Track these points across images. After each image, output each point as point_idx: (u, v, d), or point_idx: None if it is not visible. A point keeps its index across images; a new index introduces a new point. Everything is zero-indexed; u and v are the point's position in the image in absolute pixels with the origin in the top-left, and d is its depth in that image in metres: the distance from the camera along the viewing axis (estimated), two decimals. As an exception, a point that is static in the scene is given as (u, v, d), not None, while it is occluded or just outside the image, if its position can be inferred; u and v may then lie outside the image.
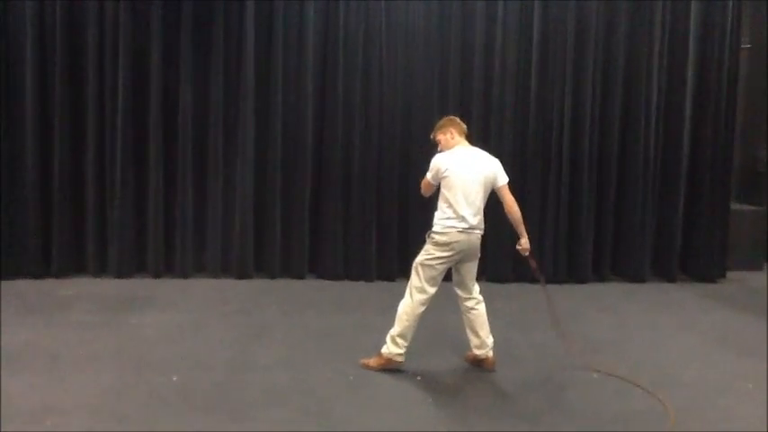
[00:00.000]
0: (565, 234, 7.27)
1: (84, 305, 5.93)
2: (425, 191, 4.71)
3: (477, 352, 4.62)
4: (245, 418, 3.79)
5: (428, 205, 6.81)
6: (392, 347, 4.47)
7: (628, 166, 7.36)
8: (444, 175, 4.46)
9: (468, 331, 4.64)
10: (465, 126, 4.69)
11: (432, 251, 4.45)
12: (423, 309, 4.48)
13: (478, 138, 7.08)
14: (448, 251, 4.42)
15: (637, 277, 7.34)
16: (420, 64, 7.08)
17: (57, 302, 6.01)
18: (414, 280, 4.50)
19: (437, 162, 4.52)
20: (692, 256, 7.52)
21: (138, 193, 6.93)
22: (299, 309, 6.02)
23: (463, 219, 4.42)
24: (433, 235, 4.47)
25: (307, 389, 4.21)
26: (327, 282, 6.98)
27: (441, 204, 4.50)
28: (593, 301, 6.58)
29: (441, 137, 4.64)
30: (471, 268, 4.61)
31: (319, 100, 7.07)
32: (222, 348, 4.91)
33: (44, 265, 6.82)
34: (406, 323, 4.45)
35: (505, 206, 4.65)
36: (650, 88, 7.30)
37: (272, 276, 7.05)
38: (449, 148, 4.58)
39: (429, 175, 4.58)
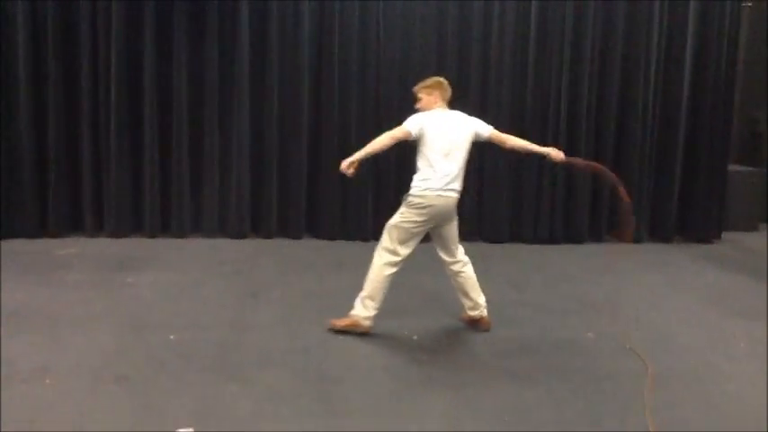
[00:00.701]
0: (562, 194, 7.27)
1: (82, 265, 5.94)
2: (382, 144, 4.36)
3: (472, 313, 4.64)
4: (243, 377, 3.82)
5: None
6: (360, 310, 4.41)
7: (625, 127, 7.35)
8: (423, 132, 4.32)
9: (460, 294, 4.63)
10: (450, 92, 4.55)
11: (407, 214, 4.35)
12: (393, 271, 4.38)
13: (476, 91, 7.07)
14: (424, 215, 4.33)
15: (633, 238, 7.36)
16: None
17: (54, 262, 6.02)
18: (385, 241, 4.40)
19: (418, 120, 4.36)
20: (689, 217, 7.54)
21: (134, 153, 6.90)
22: (296, 269, 6.04)
23: (442, 179, 4.32)
24: (410, 198, 4.35)
25: (303, 349, 4.24)
26: (324, 242, 6.99)
27: (420, 165, 4.37)
28: (589, 262, 6.62)
29: (425, 96, 4.49)
30: (451, 230, 4.52)
31: (315, 65, 7.00)
32: (219, 308, 4.94)
33: (41, 225, 6.82)
34: (376, 284, 4.37)
35: (507, 144, 4.63)
36: (649, 47, 7.25)
37: (269, 236, 7.07)
38: (428, 108, 4.46)
39: (401, 131, 4.35)
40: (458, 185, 4.41)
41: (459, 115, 4.52)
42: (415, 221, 4.34)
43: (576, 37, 7.14)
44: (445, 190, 4.34)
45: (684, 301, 5.46)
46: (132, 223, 7.00)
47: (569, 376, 3.96)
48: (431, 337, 4.51)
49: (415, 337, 4.49)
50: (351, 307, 4.46)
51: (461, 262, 4.59)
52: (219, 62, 6.87)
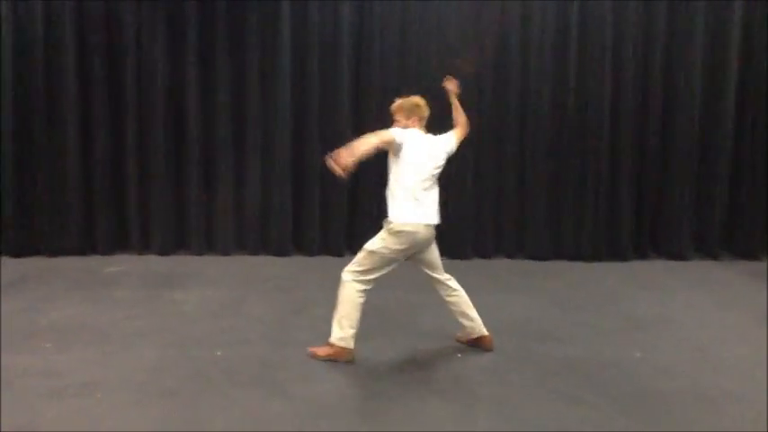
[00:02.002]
0: (605, 211, 7.18)
1: (129, 282, 6.07)
2: (362, 150, 3.99)
3: (473, 333, 4.54)
4: (287, 393, 3.84)
5: (460, 185, 6.82)
6: (338, 331, 4.27)
7: (669, 142, 7.23)
8: (402, 147, 4.12)
9: (458, 315, 4.49)
10: (428, 114, 4.39)
11: (388, 241, 4.17)
12: (364, 294, 4.26)
13: (516, 114, 7.05)
14: (405, 244, 4.17)
15: (678, 255, 7.24)
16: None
17: (102, 279, 6.15)
18: (360, 265, 4.23)
19: (401, 132, 4.15)
20: (735, 233, 7.39)
21: (179, 172, 7.05)
22: (338, 286, 6.04)
23: (427, 209, 4.20)
24: (392, 225, 4.17)
25: (346, 365, 4.25)
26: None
27: (399, 192, 4.17)
28: (633, 279, 6.52)
29: (402, 120, 4.30)
30: (433, 253, 4.40)
31: (355, 83, 7.06)
32: (263, 325, 4.99)
33: (88, 243, 6.99)
34: (349, 306, 4.25)
35: (462, 132, 4.61)
36: (692, 58, 7.13)
37: (311, 254, 7.12)
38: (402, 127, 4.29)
39: (386, 134, 4.09)
40: (436, 212, 4.31)
41: (435, 139, 4.38)
42: (396, 250, 4.19)
43: (617, 39, 7.06)
44: (429, 219, 4.25)
45: (732, 320, 5.34)
46: (177, 241, 7.14)
47: (616, 396, 3.89)
48: (475, 356, 4.48)
49: (459, 356, 4.47)
50: (394, 323, 4.45)
51: (449, 278, 4.49)
52: (261, 83, 7.00)
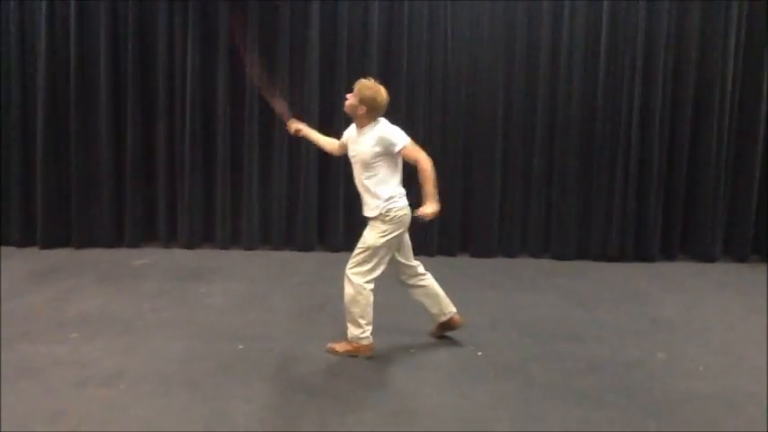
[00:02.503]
0: (633, 211, 7.10)
1: (156, 274, 6.14)
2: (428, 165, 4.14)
3: (441, 319, 4.53)
4: (310, 387, 3.86)
5: (487, 184, 6.78)
6: (355, 330, 4.29)
7: (700, 142, 7.12)
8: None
9: (429, 305, 4.50)
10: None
11: (389, 230, 4.20)
12: (373, 295, 4.29)
13: (544, 113, 7.01)
14: (402, 228, 4.26)
15: (707, 256, 7.14)
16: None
17: (129, 271, 6.23)
18: (366, 263, 4.23)
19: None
20: (766, 236, 7.26)
21: (206, 167, 7.12)
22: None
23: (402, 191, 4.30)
24: (392, 214, 4.19)
25: (369, 361, 4.26)
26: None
27: (390, 178, 4.21)
28: (660, 281, 6.44)
29: (365, 112, 4.21)
30: (407, 236, 4.42)
31: (382, 82, 7.03)
32: (287, 319, 5.01)
33: (117, 236, 7.08)
34: (365, 305, 4.26)
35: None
36: (726, 59, 6.99)
37: (336, 250, 7.14)
38: (356, 118, 4.27)
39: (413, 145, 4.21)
40: None
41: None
42: (397, 236, 4.26)
43: (648, 40, 6.96)
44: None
45: (760, 323, 5.25)
46: (204, 235, 7.20)
47: (642, 398, 3.86)
48: (497, 353, 4.46)
49: (480, 353, 4.45)
50: (417, 320, 4.45)
51: (420, 265, 4.52)
52: (290, 76, 7.02)
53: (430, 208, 4.07)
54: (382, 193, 4.21)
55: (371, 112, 4.23)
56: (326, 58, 7.04)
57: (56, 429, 3.30)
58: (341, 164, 7.05)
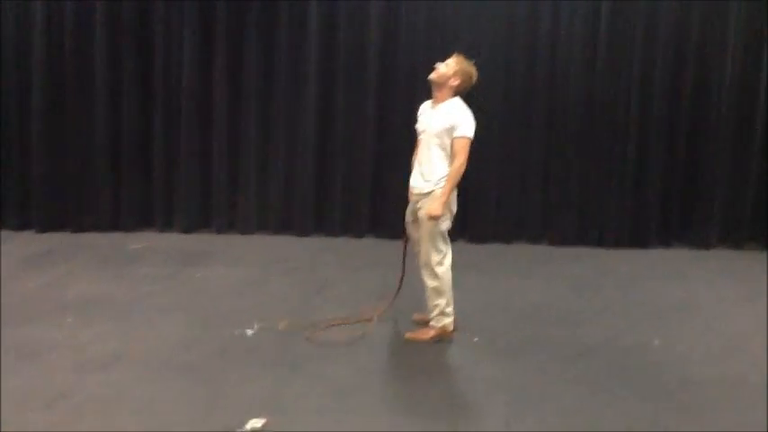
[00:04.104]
0: (630, 196, 7.10)
1: (152, 259, 6.13)
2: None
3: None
4: (308, 371, 3.87)
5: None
6: (442, 319, 4.33)
7: (698, 128, 7.10)
8: None
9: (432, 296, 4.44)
10: None
11: (447, 209, 4.21)
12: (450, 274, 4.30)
13: (542, 100, 6.99)
14: (448, 212, 4.24)
15: (703, 244, 7.15)
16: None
17: (126, 256, 6.23)
18: (437, 251, 4.22)
19: (471, 122, 4.19)
20: (763, 224, 7.27)
21: (203, 152, 7.09)
22: (360, 267, 6.09)
23: None
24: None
25: (366, 346, 4.27)
26: (387, 241, 7.01)
27: (445, 162, 4.18)
28: (657, 267, 6.45)
29: (457, 84, 4.21)
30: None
31: (382, 74, 7.04)
32: (284, 304, 5.02)
33: (114, 220, 7.07)
34: (447, 291, 4.29)
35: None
36: (725, 45, 6.95)
37: (333, 235, 7.14)
38: (441, 89, 4.24)
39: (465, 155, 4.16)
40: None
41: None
42: (448, 216, 4.26)
43: (648, 27, 6.93)
44: None
45: (756, 310, 5.27)
46: (201, 219, 7.19)
47: (636, 383, 3.88)
48: (491, 339, 4.47)
49: (476, 339, 4.46)
50: (415, 306, 4.46)
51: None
52: (287, 61, 6.98)
53: (436, 210, 4.07)
54: (442, 171, 4.16)
55: (461, 85, 4.21)
56: (324, 57, 7.01)
57: (54, 413, 3.31)
58: (338, 148, 7.06)
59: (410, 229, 4.45)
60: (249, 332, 4.41)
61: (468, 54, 4.40)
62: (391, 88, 7.02)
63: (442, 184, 4.15)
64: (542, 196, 7.15)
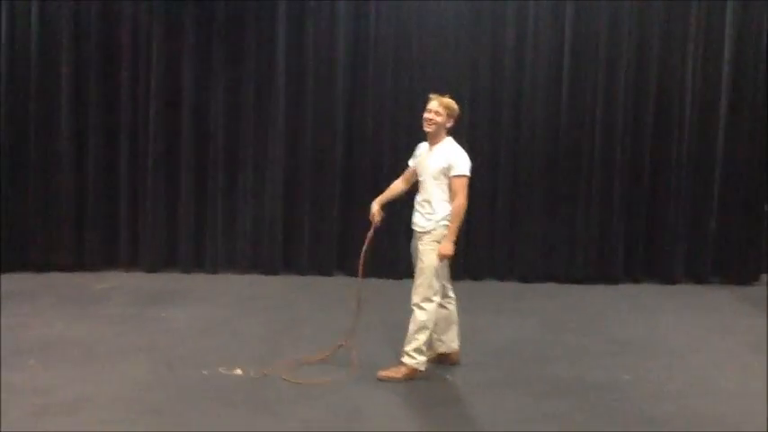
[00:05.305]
0: (596, 234, 7.19)
1: (118, 298, 6.02)
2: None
3: (442, 348, 4.55)
4: (276, 412, 3.81)
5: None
6: (417, 357, 4.32)
7: (661, 166, 7.26)
8: None
9: (439, 329, 4.49)
10: None
11: (436, 246, 4.29)
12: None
13: (509, 137, 7.09)
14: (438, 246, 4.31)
15: (669, 278, 7.24)
16: (451, 65, 7.08)
17: (91, 295, 6.11)
18: (430, 287, 4.28)
19: (467, 162, 4.35)
20: (727, 258, 7.40)
21: (169, 190, 7.03)
22: (328, 306, 6.04)
23: None
24: (441, 231, 4.29)
25: (336, 385, 4.22)
26: (356, 279, 6.97)
27: (445, 199, 4.32)
28: (624, 302, 6.51)
29: (452, 125, 4.39)
30: None
31: (350, 101, 7.11)
32: (252, 343, 4.94)
33: (78, 259, 6.93)
34: (431, 330, 4.35)
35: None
36: (684, 87, 7.19)
37: (301, 273, 7.09)
38: (437, 135, 4.37)
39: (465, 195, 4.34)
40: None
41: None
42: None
43: (610, 79, 7.11)
44: None
45: (723, 345, 5.33)
46: (167, 258, 7.09)
47: (608, 419, 3.87)
48: (464, 377, 4.45)
49: (448, 377, 4.44)
50: (385, 345, 4.42)
51: (452, 290, 4.59)
52: (255, 102, 7.01)
53: (447, 249, 4.22)
54: (442, 210, 4.29)
55: (453, 125, 4.40)
56: (292, 95, 7.05)
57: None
58: (306, 187, 7.05)
59: (414, 259, 4.50)
60: (221, 371, 4.34)
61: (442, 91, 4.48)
62: (358, 135, 7.07)
63: (443, 222, 4.28)
64: (510, 233, 7.19)
